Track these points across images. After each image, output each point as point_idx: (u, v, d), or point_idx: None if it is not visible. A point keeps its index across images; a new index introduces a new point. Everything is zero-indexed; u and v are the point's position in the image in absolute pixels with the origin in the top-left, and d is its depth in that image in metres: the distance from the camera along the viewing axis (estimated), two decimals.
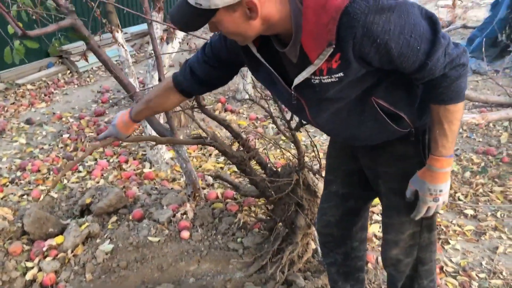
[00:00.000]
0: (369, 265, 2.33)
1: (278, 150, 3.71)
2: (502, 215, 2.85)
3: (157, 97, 1.57)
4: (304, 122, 2.01)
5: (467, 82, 1.21)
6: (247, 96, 5.16)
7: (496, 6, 6.75)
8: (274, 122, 2.07)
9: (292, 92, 1.26)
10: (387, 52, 1.08)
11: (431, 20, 1.10)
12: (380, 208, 2.85)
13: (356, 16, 1.03)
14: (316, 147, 2.26)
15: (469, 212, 2.86)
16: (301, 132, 2.17)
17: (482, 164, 3.50)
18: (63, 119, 4.73)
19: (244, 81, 4.79)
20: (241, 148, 2.18)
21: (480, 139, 4.00)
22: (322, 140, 3.98)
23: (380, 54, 1.09)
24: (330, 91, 1.20)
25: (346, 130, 1.37)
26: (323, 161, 2.27)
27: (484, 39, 5.46)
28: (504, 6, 6.49)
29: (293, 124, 2.07)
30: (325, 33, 1.06)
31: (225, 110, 4.89)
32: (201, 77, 1.44)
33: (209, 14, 1.07)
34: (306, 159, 3.39)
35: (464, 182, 3.26)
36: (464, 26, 7.07)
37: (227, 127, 2.17)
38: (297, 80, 1.19)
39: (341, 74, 1.14)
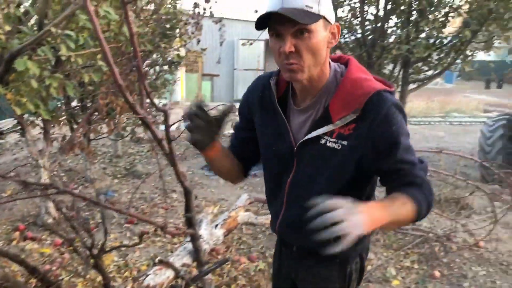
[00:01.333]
0: None
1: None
2: None
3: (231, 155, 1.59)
4: (107, 249, 1.98)
5: (424, 213, 1.27)
6: (50, 220, 4.77)
7: None
8: (75, 250, 1.98)
9: (295, 147, 1.37)
10: (395, 143, 1.26)
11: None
12: None
13: (386, 100, 1.24)
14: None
15: None
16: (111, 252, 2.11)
17: None
18: None
19: (46, 204, 4.46)
20: (40, 284, 2.00)
21: None
22: (135, 257, 3.87)
23: (389, 141, 1.26)
24: (323, 161, 1.33)
25: (302, 208, 1.31)
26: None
27: None
28: None
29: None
30: (354, 102, 1.26)
31: (25, 239, 4.37)
32: (233, 142, 1.59)
33: (316, 17, 1.20)
34: (120, 280, 3.25)
35: None
36: None
37: (21, 262, 1.98)
38: (312, 134, 1.32)
39: (345, 142, 1.28)
